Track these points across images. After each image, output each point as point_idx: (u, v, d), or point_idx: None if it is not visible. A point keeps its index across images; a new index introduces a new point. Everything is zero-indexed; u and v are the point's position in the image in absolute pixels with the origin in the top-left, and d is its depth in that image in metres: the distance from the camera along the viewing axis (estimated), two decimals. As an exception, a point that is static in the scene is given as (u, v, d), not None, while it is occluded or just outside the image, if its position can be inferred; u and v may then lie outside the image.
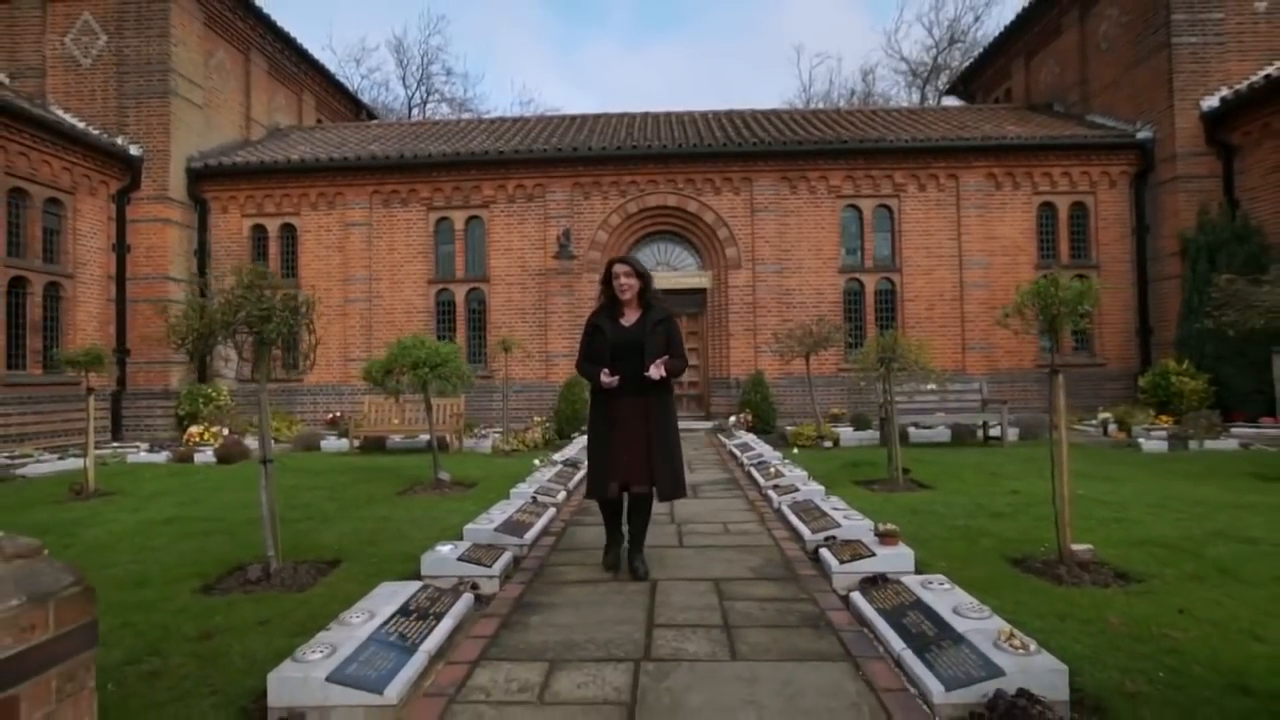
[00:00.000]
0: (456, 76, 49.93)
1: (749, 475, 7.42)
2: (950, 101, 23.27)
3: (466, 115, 30.99)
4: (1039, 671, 2.29)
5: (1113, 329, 13.07)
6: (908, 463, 7.55)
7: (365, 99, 24.30)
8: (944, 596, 3.01)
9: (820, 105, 31.12)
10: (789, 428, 11.33)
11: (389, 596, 3.17)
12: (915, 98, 30.84)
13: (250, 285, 4.28)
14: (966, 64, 22.56)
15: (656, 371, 3.74)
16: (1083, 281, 3.99)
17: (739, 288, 13.22)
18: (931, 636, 2.66)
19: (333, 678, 2.37)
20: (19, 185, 10.82)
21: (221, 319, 4.17)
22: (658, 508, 5.86)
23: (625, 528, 4.06)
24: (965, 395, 10.93)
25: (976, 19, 37.07)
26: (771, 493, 6.00)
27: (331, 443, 11.27)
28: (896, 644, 2.70)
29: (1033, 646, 2.43)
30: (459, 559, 3.83)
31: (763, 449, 8.73)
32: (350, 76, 30.18)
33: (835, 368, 12.84)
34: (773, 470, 6.96)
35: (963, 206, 13.17)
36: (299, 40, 16.23)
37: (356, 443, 10.93)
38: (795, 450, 9.68)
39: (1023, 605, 3.31)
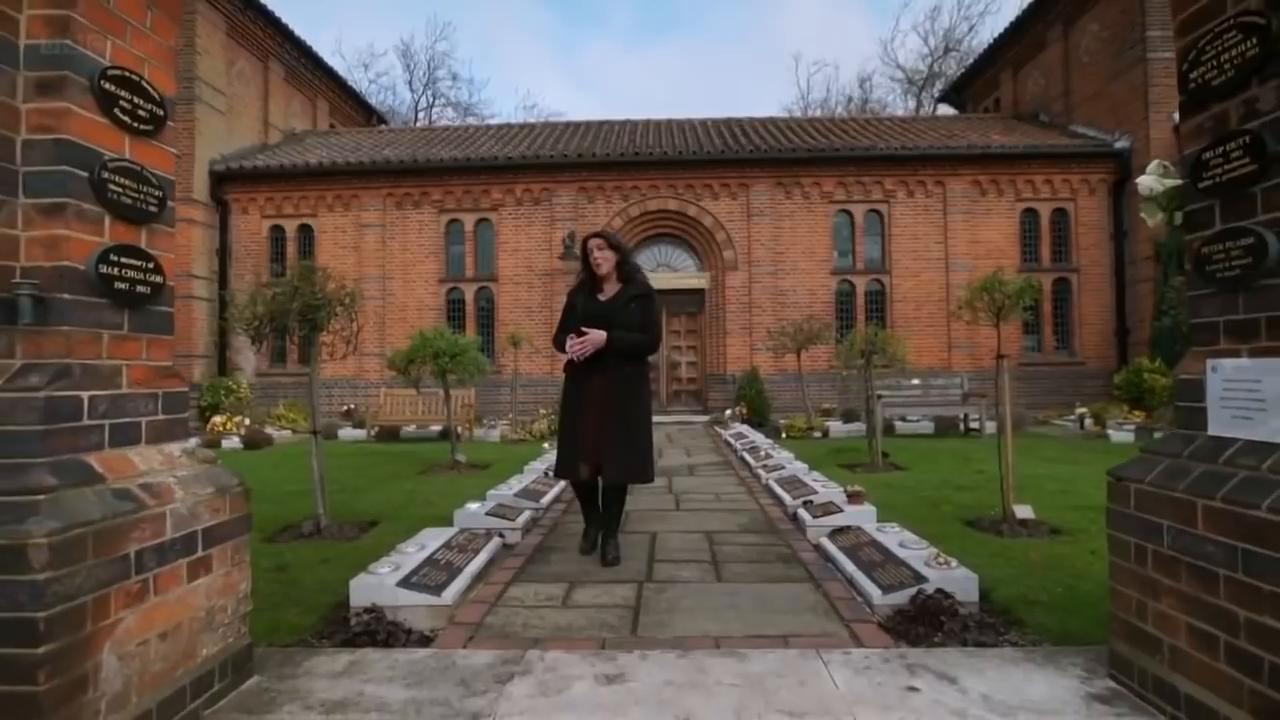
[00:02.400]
0: (462, 81, 50.65)
1: (742, 459, 8.04)
2: (944, 109, 23.95)
3: (471, 119, 31.71)
4: (956, 579, 2.93)
5: (1092, 329, 13.71)
6: (890, 450, 8.19)
7: (374, 103, 24.95)
8: (893, 536, 3.65)
9: (818, 112, 31.79)
10: (782, 421, 11.95)
11: (434, 536, 3.81)
12: (911, 104, 31.54)
13: (304, 277, 4.93)
14: (959, 73, 23.23)
15: (584, 343, 3.59)
16: (1024, 278, 4.63)
17: (735, 288, 13.86)
18: (879, 562, 3.30)
19: (401, 584, 3.00)
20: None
21: (280, 307, 4.80)
22: (656, 481, 6.50)
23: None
24: (948, 390, 11.56)
25: (971, 28, 37.66)
26: (761, 471, 6.63)
27: (348, 432, 11.89)
28: (850, 568, 3.34)
29: (954, 563, 3.07)
30: (487, 514, 4.46)
31: (756, 438, 9.36)
32: (359, 81, 30.81)
33: (827, 365, 13.45)
34: (763, 454, 7.60)
35: (949, 212, 13.81)
36: (314, 48, 16.90)
37: (373, 432, 11.56)
38: (783, 436, 10.32)
39: (965, 549, 3.93)
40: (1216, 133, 1.90)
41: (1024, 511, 4.58)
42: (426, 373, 7.89)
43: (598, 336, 3.61)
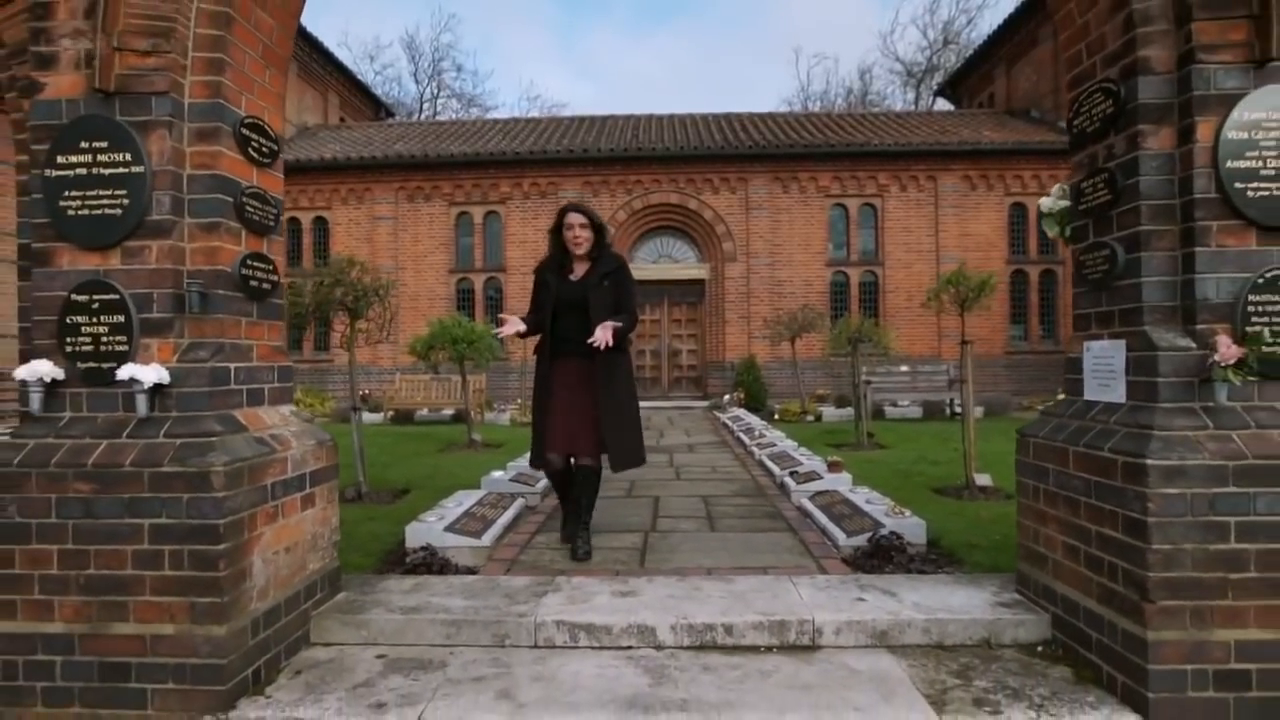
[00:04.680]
0: (466, 73, 51.04)
1: (738, 439, 8.65)
2: (941, 102, 24.39)
3: (475, 110, 32.12)
4: (908, 525, 3.55)
5: (1076, 319, 14.25)
6: (879, 434, 8.80)
7: (380, 94, 25.38)
8: (862, 496, 4.26)
9: (818, 104, 32.19)
10: (777, 405, 12.56)
11: (468, 496, 4.42)
12: (911, 97, 31.90)
13: (343, 270, 5.51)
14: (957, 66, 23.65)
15: (604, 335, 3.30)
16: (986, 274, 5.21)
17: (734, 279, 14.43)
18: (847, 514, 3.91)
19: (448, 530, 3.61)
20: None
21: (325, 296, 5.39)
22: (658, 455, 7.12)
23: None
24: (935, 377, 12.16)
25: (969, 22, 37.88)
26: (755, 449, 7.24)
27: (364, 416, 12.49)
28: (823, 520, 3.95)
29: (908, 513, 3.68)
30: (510, 480, 5.07)
31: (752, 420, 9.97)
32: (365, 73, 31.22)
33: (822, 353, 14.03)
34: (757, 434, 8.20)
35: (941, 206, 14.35)
36: (325, 44, 17.39)
37: (389, 415, 12.18)
38: (776, 418, 10.94)
39: (926, 510, 4.52)
40: (1090, 168, 2.48)
41: (984, 480, 5.18)
42: (444, 358, 8.50)
43: (609, 334, 3.33)
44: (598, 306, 3.44)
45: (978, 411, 11.96)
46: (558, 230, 3.59)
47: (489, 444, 8.54)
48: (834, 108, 30.21)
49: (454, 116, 30.30)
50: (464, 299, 14.86)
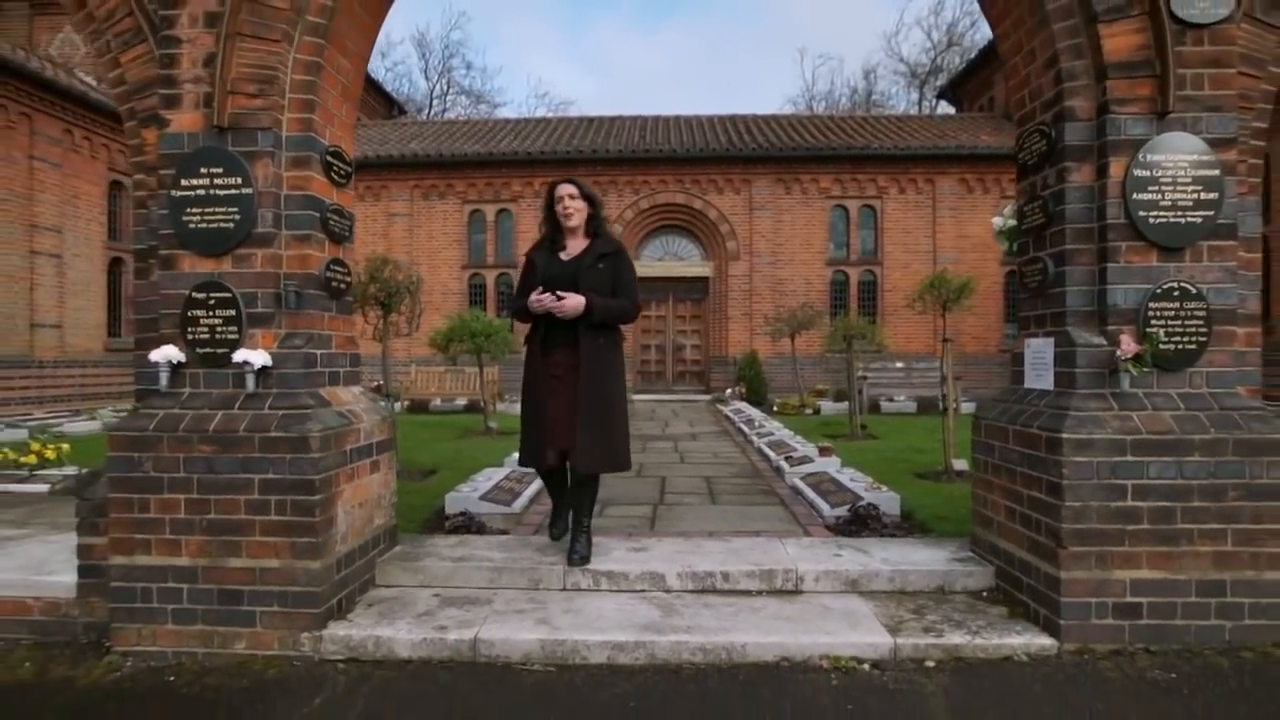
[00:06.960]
0: (476, 70, 51.59)
1: (739, 429, 9.16)
2: (942, 105, 24.79)
3: (483, 107, 32.61)
4: (883, 498, 4.06)
5: (1068, 319, 14.72)
6: (872, 426, 9.30)
7: (389, 89, 25.85)
8: (847, 475, 4.78)
9: (823, 104, 32.62)
10: (777, 399, 13.06)
11: (495, 472, 4.94)
12: (915, 97, 32.29)
13: (378, 267, 6.03)
14: (959, 68, 24.03)
15: (548, 300, 3.06)
16: (966, 277, 5.69)
17: (737, 277, 14.92)
18: (832, 490, 4.42)
19: (481, 498, 4.14)
20: (117, 179, 12.63)
21: (361, 291, 5.90)
22: (663, 443, 7.63)
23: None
24: (929, 374, 12.65)
25: (973, 23, 38.04)
26: (754, 438, 7.75)
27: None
28: (811, 495, 4.46)
29: (884, 489, 4.19)
30: (530, 461, 5.59)
31: (752, 413, 10.47)
32: (376, 70, 31.70)
33: (822, 349, 14.52)
34: (756, 424, 8.72)
35: (938, 208, 14.81)
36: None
37: (405, 405, 12.71)
38: (775, 410, 11.45)
39: (905, 489, 5.02)
40: (1030, 195, 2.98)
41: (960, 465, 5.68)
42: (463, 350, 9.02)
43: (576, 302, 3.07)
44: (590, 287, 3.12)
45: (970, 406, 12.46)
46: (549, 207, 3.33)
47: (504, 431, 9.05)
48: (838, 108, 30.61)
49: (463, 113, 30.83)
50: (476, 294, 15.38)
